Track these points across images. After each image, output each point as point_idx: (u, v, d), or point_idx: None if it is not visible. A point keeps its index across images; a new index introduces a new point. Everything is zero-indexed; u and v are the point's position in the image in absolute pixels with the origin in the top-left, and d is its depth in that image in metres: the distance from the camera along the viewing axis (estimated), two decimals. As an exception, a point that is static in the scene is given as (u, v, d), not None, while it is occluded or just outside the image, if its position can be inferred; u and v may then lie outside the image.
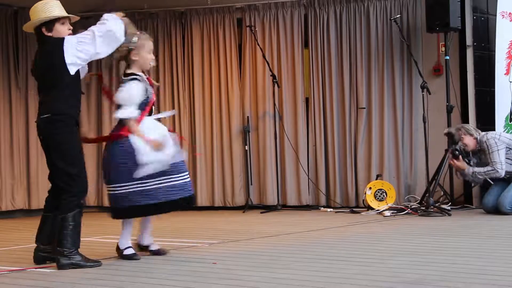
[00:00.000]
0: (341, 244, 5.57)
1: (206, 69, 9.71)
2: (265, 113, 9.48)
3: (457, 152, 7.80)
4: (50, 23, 4.80)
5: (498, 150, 7.56)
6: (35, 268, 4.73)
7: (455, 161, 7.80)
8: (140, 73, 5.10)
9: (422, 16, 8.97)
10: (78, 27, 4.99)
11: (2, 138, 9.20)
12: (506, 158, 7.61)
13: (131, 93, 4.96)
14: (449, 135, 8.02)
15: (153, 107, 5.19)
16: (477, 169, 7.67)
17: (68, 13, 4.87)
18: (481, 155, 7.80)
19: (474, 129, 7.86)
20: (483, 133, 7.83)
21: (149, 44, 5.13)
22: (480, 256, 4.69)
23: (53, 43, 4.76)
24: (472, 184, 8.36)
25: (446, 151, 8.37)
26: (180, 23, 9.86)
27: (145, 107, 5.03)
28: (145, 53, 5.10)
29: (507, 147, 7.61)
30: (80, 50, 4.70)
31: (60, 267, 4.63)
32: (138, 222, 5.26)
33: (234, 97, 9.59)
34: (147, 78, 5.17)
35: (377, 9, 9.19)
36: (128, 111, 4.94)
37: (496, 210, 7.58)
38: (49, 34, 4.79)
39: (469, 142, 7.79)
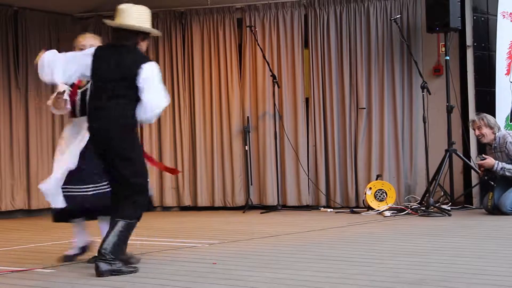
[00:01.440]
0: (341, 244, 5.57)
1: (206, 69, 9.70)
2: (265, 113, 9.47)
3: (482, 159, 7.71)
4: (147, 35, 4.69)
5: None
6: (35, 268, 4.73)
7: (483, 162, 7.65)
8: None
9: (422, 16, 8.97)
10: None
11: (2, 138, 9.19)
12: None
13: None
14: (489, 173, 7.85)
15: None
16: (506, 165, 7.58)
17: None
18: (496, 152, 7.74)
19: (494, 123, 7.82)
20: (504, 131, 7.81)
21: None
22: (480, 256, 4.70)
23: (139, 57, 4.59)
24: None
25: (446, 151, 8.37)
26: (180, 23, 9.85)
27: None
28: None
29: None
30: (155, 81, 4.58)
31: (100, 273, 4.36)
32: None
33: (234, 97, 9.59)
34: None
35: (377, 9, 9.19)
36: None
37: (496, 210, 7.57)
38: (139, 43, 4.64)
39: (487, 133, 7.73)
